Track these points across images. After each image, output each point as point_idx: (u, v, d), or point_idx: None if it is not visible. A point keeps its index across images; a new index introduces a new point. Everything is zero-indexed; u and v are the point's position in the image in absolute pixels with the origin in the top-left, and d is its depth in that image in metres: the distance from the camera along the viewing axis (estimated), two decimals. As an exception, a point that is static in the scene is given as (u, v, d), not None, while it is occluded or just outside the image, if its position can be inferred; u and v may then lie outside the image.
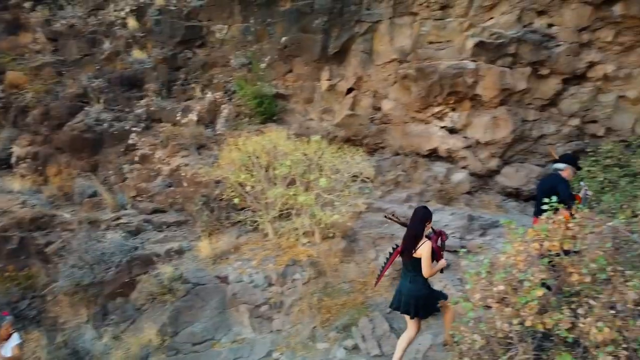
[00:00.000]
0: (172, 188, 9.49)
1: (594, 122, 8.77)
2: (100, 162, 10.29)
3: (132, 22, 11.41)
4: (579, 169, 5.89)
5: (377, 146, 10.05)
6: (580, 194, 5.67)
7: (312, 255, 7.45)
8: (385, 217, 5.64)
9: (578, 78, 8.64)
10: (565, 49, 8.40)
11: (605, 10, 8.00)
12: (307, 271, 7.28)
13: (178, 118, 10.25)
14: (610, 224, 3.53)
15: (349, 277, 7.25)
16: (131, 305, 7.69)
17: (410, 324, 5.07)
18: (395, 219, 5.26)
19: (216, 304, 7.39)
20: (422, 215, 4.90)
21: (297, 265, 7.42)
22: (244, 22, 10.73)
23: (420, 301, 4.86)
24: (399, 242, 5.09)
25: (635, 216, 3.59)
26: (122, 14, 11.64)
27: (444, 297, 5.15)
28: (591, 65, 8.47)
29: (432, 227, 5.02)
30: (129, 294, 7.75)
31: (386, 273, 6.89)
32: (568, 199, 5.06)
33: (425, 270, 4.73)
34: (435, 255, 4.86)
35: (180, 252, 8.29)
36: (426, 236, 4.87)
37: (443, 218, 7.97)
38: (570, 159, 5.76)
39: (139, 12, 11.49)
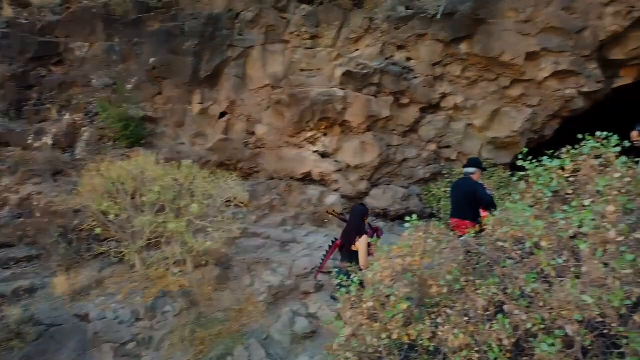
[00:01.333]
0: (21, 219, 8.43)
1: (448, 147, 9.70)
2: None
3: (-28, 34, 10.11)
4: (484, 170, 6.45)
5: (252, 170, 10.02)
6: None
7: (184, 285, 7.10)
8: (327, 212, 6.29)
9: (433, 107, 9.51)
10: (422, 81, 9.21)
11: (453, 47, 8.95)
12: (178, 302, 6.90)
13: (29, 141, 9.22)
14: (462, 238, 3.88)
15: (224, 305, 7.02)
16: (-34, 358, 6.62)
17: None
18: (336, 215, 5.85)
19: (75, 346, 6.65)
20: (361, 212, 5.39)
21: (168, 296, 7.00)
22: (108, 40, 10.09)
23: None
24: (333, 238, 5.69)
25: (483, 230, 3.97)
26: (-40, 23, 10.28)
27: None
28: (444, 96, 9.39)
29: (368, 223, 5.47)
30: (-37, 345, 6.67)
31: (261, 298, 6.81)
32: (489, 201, 5.57)
33: (362, 261, 5.09)
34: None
35: (31, 290, 7.37)
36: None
37: (317, 240, 8.12)
38: (477, 163, 6.29)
39: (-19, 23, 10.24)
